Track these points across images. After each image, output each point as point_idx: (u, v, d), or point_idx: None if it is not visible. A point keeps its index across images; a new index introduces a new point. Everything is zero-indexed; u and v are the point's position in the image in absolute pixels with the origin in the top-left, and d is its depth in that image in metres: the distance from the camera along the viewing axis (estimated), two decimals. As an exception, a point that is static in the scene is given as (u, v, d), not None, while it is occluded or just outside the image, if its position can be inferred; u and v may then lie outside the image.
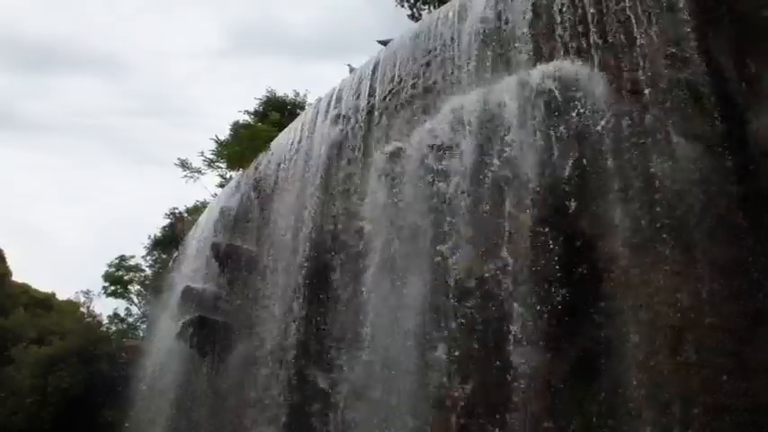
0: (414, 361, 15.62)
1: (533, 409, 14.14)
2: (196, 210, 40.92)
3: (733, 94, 17.00)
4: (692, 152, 15.21)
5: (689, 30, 16.45)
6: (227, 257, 25.99)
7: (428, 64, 19.38)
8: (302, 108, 37.22)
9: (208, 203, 37.43)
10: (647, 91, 15.62)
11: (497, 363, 14.48)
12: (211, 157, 42.85)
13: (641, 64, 15.88)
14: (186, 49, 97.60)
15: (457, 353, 14.91)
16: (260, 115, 40.79)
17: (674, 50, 16.23)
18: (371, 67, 21.88)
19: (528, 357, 14.19)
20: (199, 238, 29.74)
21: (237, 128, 41.40)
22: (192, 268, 28.77)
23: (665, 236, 14.22)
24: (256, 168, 27.38)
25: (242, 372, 23.09)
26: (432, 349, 15.38)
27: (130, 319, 50.97)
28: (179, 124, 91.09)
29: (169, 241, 42.25)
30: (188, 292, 26.54)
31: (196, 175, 44.09)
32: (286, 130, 27.62)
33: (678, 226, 14.36)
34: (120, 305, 51.51)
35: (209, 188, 41.61)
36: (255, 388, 21.64)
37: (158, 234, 46.32)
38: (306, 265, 21.20)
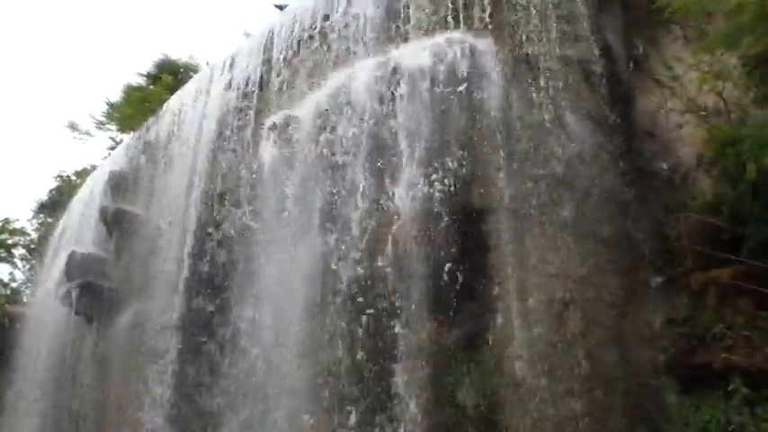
0: (303, 327, 15.56)
1: (420, 379, 14.27)
2: (85, 172, 39.81)
3: (621, 74, 17.46)
4: (582, 129, 15.55)
5: (582, 9, 16.79)
6: (115, 221, 25.38)
7: (325, 30, 19.23)
8: (196, 71, 36.57)
9: (97, 166, 36.49)
10: (539, 67, 15.86)
11: (386, 331, 14.55)
12: (102, 118, 41.97)
13: (535, 40, 16.11)
14: (76, 9, 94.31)
15: (345, 321, 14.91)
16: (152, 77, 40.06)
17: (567, 29, 16.53)
18: (267, 33, 21.60)
19: (415, 327, 14.31)
20: (86, 201, 28.91)
21: (129, 90, 40.60)
22: (78, 232, 28.01)
23: (552, 211, 14.54)
24: (147, 131, 26.78)
25: (130, 338, 22.67)
26: (321, 318, 15.34)
27: (14, 285, 49.19)
28: (68, 85, 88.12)
29: (56, 204, 41.00)
30: (74, 257, 25.77)
31: (85, 137, 43.07)
32: (179, 93, 27.05)
33: (566, 201, 14.69)
34: (2, 270, 49.75)
35: (98, 151, 40.69)
36: (144, 354, 21.28)
37: (45, 197, 45.00)
38: (196, 229, 20.92)
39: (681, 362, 14.04)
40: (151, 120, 27.12)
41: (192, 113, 23.86)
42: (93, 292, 25.07)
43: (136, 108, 35.98)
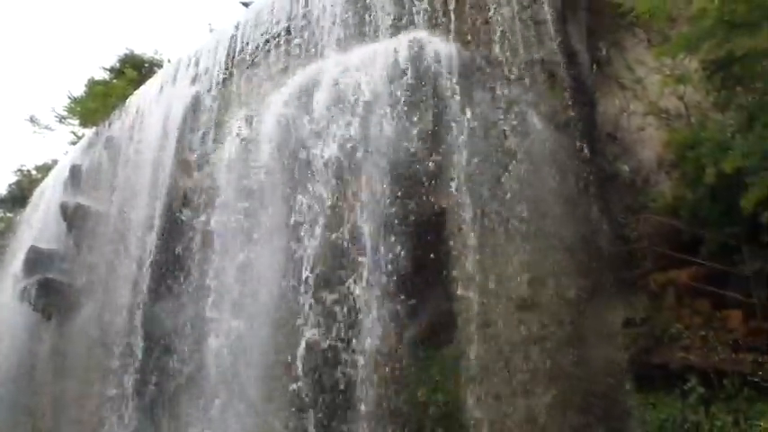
0: (266, 326, 15.47)
1: (380, 377, 14.27)
2: (45, 167, 39.43)
3: (584, 77, 17.61)
4: (545, 130, 15.65)
5: (547, 12, 16.90)
6: (75, 217, 25.12)
7: (289, 28, 19.19)
8: (160, 67, 36.34)
9: (58, 161, 36.13)
10: (503, 69, 15.93)
11: (348, 329, 14.51)
12: (64, 113, 41.62)
13: (499, 41, 16.18)
14: (41, 2, 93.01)
15: (307, 318, 14.83)
16: (116, 72, 39.76)
17: (531, 31, 16.62)
18: (232, 29, 21.52)
19: (377, 325, 14.29)
20: (47, 196, 28.62)
21: (92, 84, 40.27)
22: (38, 228, 27.69)
23: (514, 211, 14.60)
24: (110, 126, 26.55)
25: (89, 335, 22.44)
26: (283, 314, 15.26)
27: (-28, 281, 48.60)
28: (30, 79, 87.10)
29: (15, 199, 40.53)
30: (33, 253, 25.54)
31: (46, 131, 42.71)
32: (143, 88, 26.89)
33: (528, 202, 14.76)
34: (-41, 266, 48.94)
35: (59, 145, 40.33)
36: (104, 350, 21.06)
37: (4, 192, 44.48)
38: (160, 226, 20.75)
39: (639, 361, 14.19)
40: (114, 114, 26.89)
41: (156, 109, 23.69)
42: (52, 289, 24.83)
43: (99, 102, 35.70)
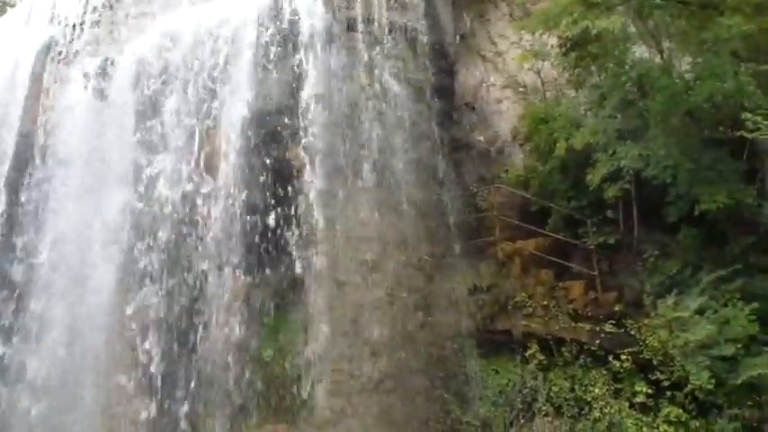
0: (113, 268, 14.92)
1: (230, 335, 14.10)
2: None
3: (447, 46, 17.80)
4: (404, 96, 15.71)
5: (413, -23, 16.92)
6: None
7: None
8: (13, 6, 34.56)
9: None
10: (365, 31, 15.86)
11: (196, 286, 14.25)
12: None
13: (362, 3, 16.09)
14: None
15: (154, 270, 14.45)
16: (-36, 10, 37.63)
17: (396, -6, 16.63)
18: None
19: (227, 282, 14.08)
20: None
21: (-64, 22, 38.01)
22: None
23: (366, 174, 14.62)
24: (-44, 63, 25.06)
25: None
26: (126, 266, 14.78)
27: None
28: None
29: None
30: None
31: None
32: (-7, 25, 25.45)
33: (381, 165, 14.80)
34: None
35: None
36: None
37: None
38: (8, 174, 19.73)
39: (484, 328, 14.60)
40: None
41: (7, 50, 22.51)
42: None
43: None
